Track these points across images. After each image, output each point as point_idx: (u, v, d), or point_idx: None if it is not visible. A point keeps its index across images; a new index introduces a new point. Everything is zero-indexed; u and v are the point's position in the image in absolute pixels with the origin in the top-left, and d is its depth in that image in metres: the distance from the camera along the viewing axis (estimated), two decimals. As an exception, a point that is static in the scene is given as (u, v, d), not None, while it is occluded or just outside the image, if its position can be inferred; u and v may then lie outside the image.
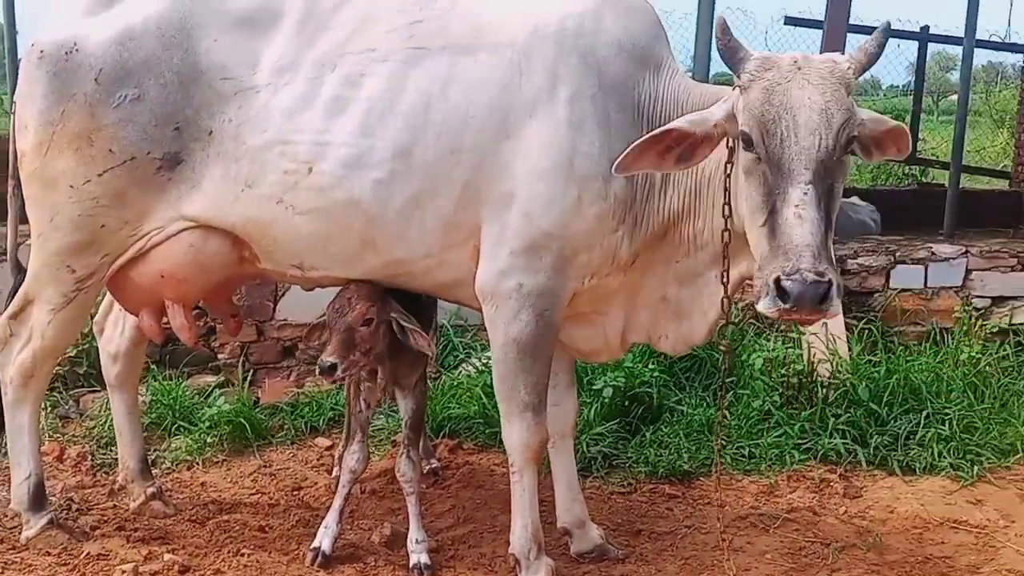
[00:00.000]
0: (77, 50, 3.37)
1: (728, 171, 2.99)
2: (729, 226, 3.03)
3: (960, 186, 8.75)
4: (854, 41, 12.73)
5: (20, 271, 3.89)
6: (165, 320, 3.83)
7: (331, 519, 3.84)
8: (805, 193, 2.65)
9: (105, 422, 5.17)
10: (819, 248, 2.61)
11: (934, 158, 15.08)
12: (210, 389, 5.53)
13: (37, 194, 3.54)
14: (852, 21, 12.81)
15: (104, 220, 3.47)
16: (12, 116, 3.65)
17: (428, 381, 3.96)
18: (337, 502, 3.86)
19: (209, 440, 4.98)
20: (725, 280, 3.17)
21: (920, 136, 14.88)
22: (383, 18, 3.37)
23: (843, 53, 5.97)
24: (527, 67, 3.26)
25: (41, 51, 3.43)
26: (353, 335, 3.41)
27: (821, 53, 6.14)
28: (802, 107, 2.72)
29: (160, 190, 3.42)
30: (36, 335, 3.71)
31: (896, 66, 18.59)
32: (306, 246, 3.38)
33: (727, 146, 2.99)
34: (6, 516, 4.06)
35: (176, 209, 3.45)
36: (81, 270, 3.57)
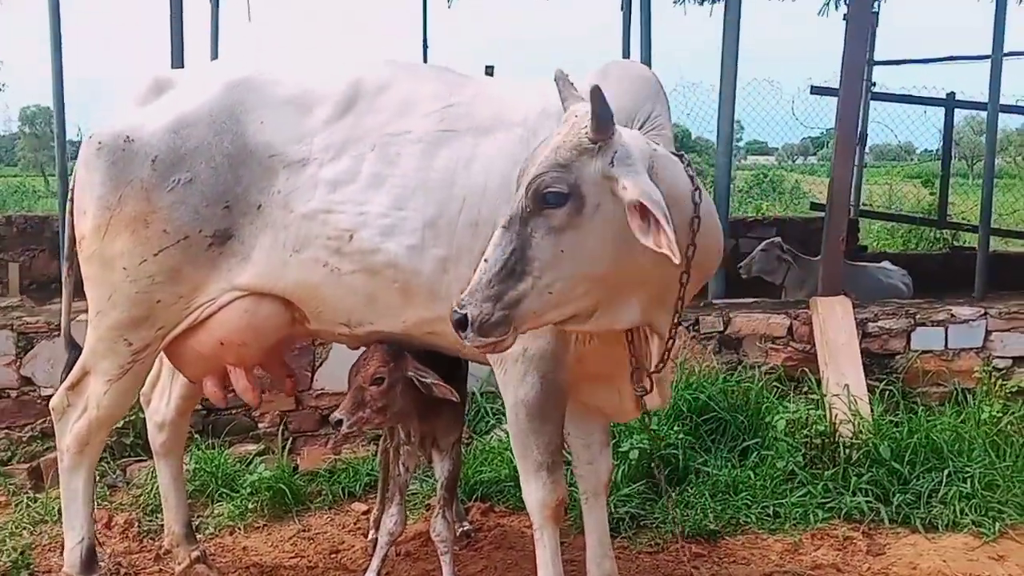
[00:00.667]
0: (132, 140, 3.64)
1: None
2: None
3: (993, 249, 8.89)
4: (879, 108, 13.03)
5: (74, 347, 4.14)
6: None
7: None
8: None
9: (151, 490, 5.37)
10: (476, 286, 2.82)
11: (965, 222, 15.21)
12: (251, 457, 5.73)
13: (96, 274, 3.77)
14: (877, 89, 13.23)
15: (159, 296, 3.70)
16: (70, 203, 3.90)
17: (460, 446, 4.10)
18: (375, 563, 4.02)
19: (250, 506, 5.17)
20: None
21: (949, 200, 14.99)
22: (419, 103, 3.62)
23: (859, 122, 6.27)
24: (533, 143, 3.49)
25: (100, 142, 3.69)
26: (363, 394, 3.61)
27: (836, 123, 6.45)
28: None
29: (212, 265, 3.65)
30: (92, 405, 3.93)
31: (929, 132, 18.82)
32: (352, 304, 3.59)
33: None
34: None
35: (228, 281, 3.67)
36: (137, 343, 3.80)
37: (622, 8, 11.94)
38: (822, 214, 13.86)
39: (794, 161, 43.75)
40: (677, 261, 2.77)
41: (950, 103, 13.47)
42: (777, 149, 40.88)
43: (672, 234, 2.73)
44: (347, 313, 3.66)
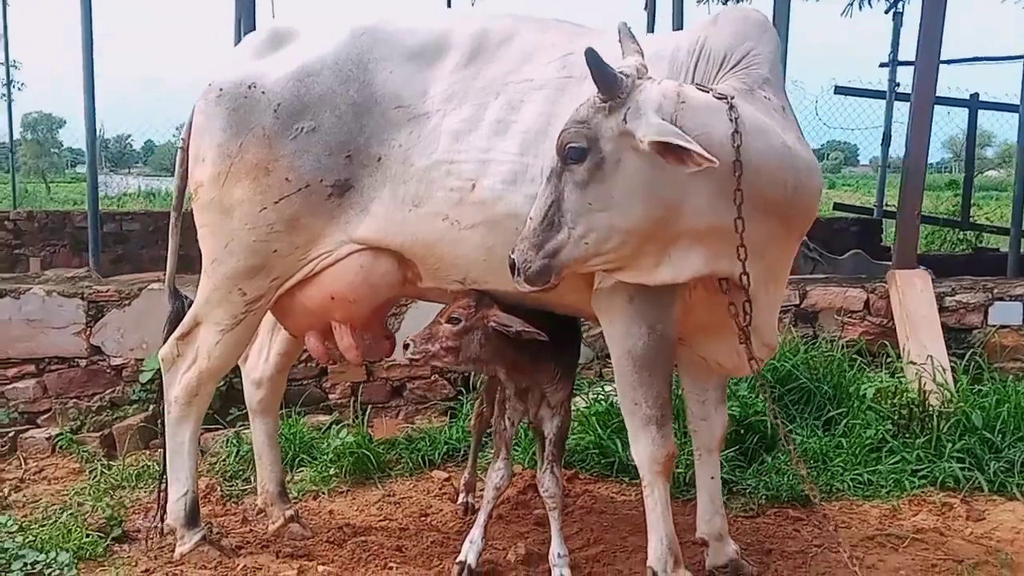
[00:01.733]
0: (255, 87, 3.63)
1: None
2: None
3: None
4: (903, 109, 12.92)
5: (177, 297, 4.11)
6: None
7: (476, 534, 3.93)
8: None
9: (227, 458, 5.38)
10: (525, 234, 3.03)
11: (989, 223, 15.15)
12: (325, 426, 5.70)
13: (213, 221, 3.75)
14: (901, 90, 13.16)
15: (277, 245, 3.68)
16: (182, 151, 3.89)
17: (570, 405, 4.05)
18: (482, 517, 3.97)
19: (332, 471, 5.15)
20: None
21: (973, 202, 14.93)
22: (541, 52, 3.60)
23: (930, 126, 6.22)
24: None
25: (220, 89, 3.69)
26: (437, 329, 3.56)
27: (909, 125, 6.40)
28: None
29: (330, 216, 3.64)
30: (203, 355, 3.91)
31: (933, 143, 18.73)
32: (470, 260, 3.54)
33: None
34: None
35: (345, 233, 3.65)
36: (252, 292, 3.78)
37: (645, 8, 12.00)
38: (845, 215, 14.03)
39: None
40: (717, 165, 2.84)
41: (974, 104, 13.44)
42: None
43: (698, 147, 2.81)
44: (464, 270, 3.61)
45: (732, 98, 3.02)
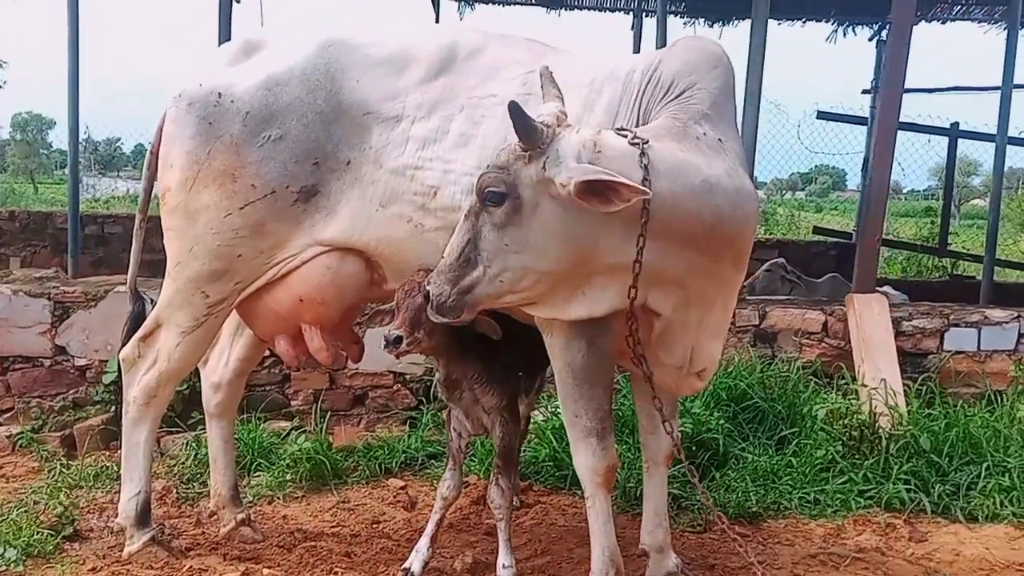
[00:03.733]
0: (224, 96, 3.71)
1: None
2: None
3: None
4: (903, 139, 13.01)
5: (138, 299, 4.17)
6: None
7: (423, 543, 4.00)
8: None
9: (185, 460, 5.42)
10: (440, 268, 3.12)
11: (965, 250, 15.29)
12: (286, 432, 5.74)
13: (179, 225, 3.81)
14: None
15: (241, 250, 3.75)
16: (151, 156, 3.96)
17: (518, 415, 4.09)
18: (430, 527, 4.02)
19: (289, 477, 5.19)
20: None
21: (951, 230, 15.08)
22: (506, 68, 3.70)
23: (892, 154, 6.30)
24: (595, 101, 3.59)
25: (191, 97, 3.76)
26: (420, 315, 3.49)
27: (870, 150, 6.47)
28: None
29: (295, 220, 3.71)
30: (163, 357, 3.96)
31: (919, 170, 18.95)
32: (433, 261, 3.61)
33: None
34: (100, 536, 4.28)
35: (311, 236, 3.73)
36: (214, 296, 3.84)
37: (632, 28, 12.13)
38: (823, 238, 14.18)
39: (782, 195, 43.91)
40: (649, 194, 2.94)
41: (954, 133, 13.57)
42: (766, 183, 40.94)
43: (624, 179, 2.90)
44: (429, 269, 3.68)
45: (646, 143, 3.08)
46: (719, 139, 3.34)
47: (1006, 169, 10.58)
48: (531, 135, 2.98)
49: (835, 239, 14.31)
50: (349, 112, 3.66)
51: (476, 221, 3.07)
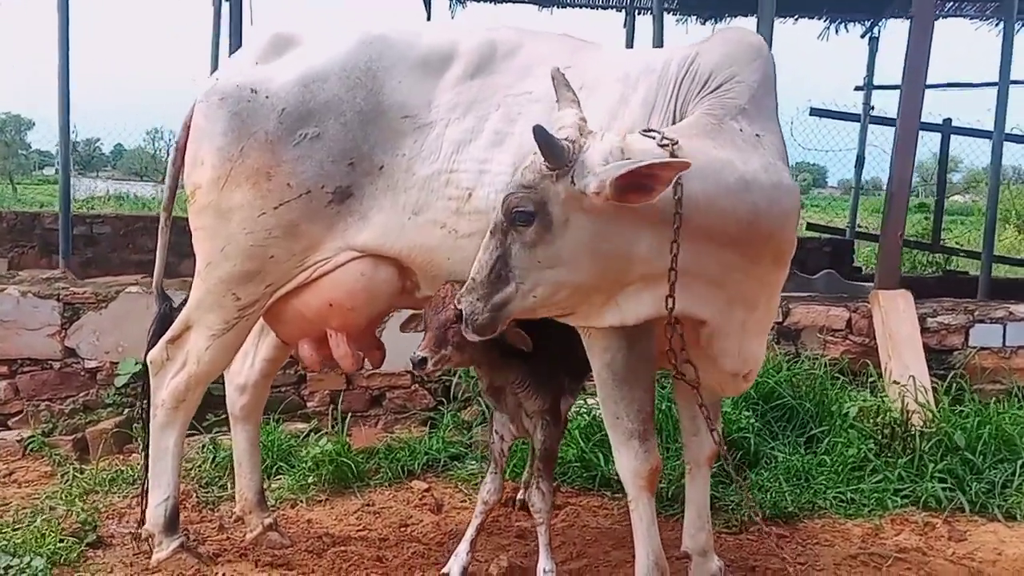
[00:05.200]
0: (258, 92, 3.59)
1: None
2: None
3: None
4: (876, 132, 12.98)
5: (164, 299, 4.04)
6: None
7: (462, 547, 3.91)
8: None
9: (203, 464, 5.30)
10: (471, 285, 3.01)
11: (959, 246, 15.28)
12: (304, 434, 5.64)
13: (210, 225, 3.69)
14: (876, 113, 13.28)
15: (274, 251, 3.64)
16: (177, 153, 3.83)
17: (559, 418, 3.99)
18: (469, 532, 3.93)
19: (311, 480, 5.09)
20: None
21: (944, 226, 15.06)
22: (541, 65, 3.57)
23: (915, 150, 6.23)
24: (630, 96, 3.49)
25: (223, 92, 3.64)
26: (446, 332, 3.43)
27: (894, 149, 6.43)
28: None
29: (329, 223, 3.60)
30: (192, 360, 3.84)
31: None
32: (467, 268, 3.51)
33: None
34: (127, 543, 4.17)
35: (343, 240, 3.62)
36: (245, 298, 3.72)
37: (625, 26, 12.08)
38: (817, 235, 14.13)
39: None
40: (690, 164, 2.82)
41: (947, 129, 13.57)
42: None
43: (654, 159, 2.81)
44: (461, 278, 3.57)
45: (675, 143, 2.97)
46: (756, 134, 3.24)
47: (982, 168, 10.58)
48: (558, 156, 2.87)
49: (829, 235, 14.29)
50: (388, 113, 3.56)
51: (504, 239, 2.97)
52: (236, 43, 7.09)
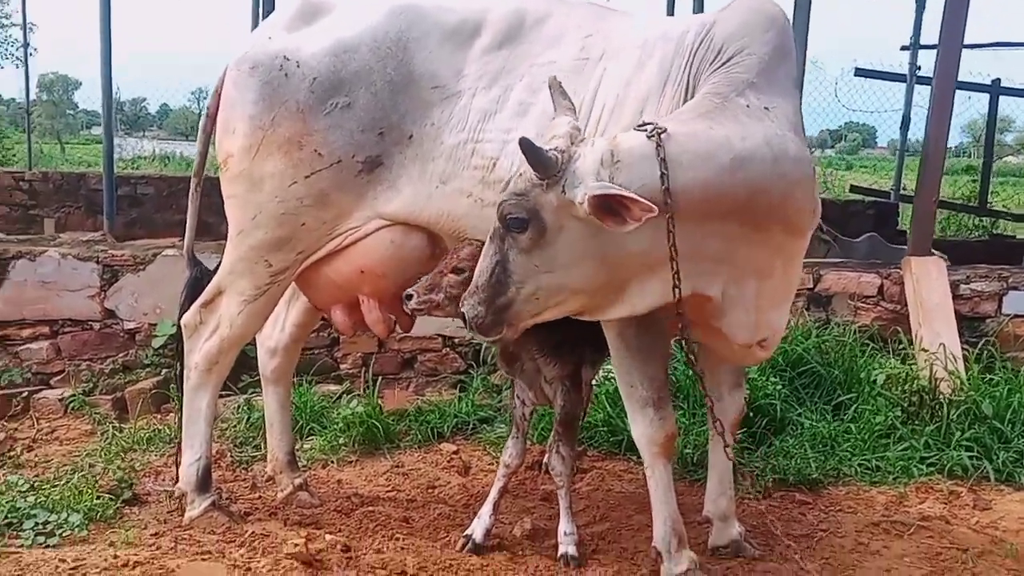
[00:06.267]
0: (290, 60, 3.63)
1: None
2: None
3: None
4: (923, 93, 12.78)
5: (195, 264, 4.13)
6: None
7: (485, 510, 3.98)
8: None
9: (237, 424, 5.42)
10: (473, 288, 3.06)
11: (1005, 209, 15.04)
12: (336, 396, 5.74)
13: (241, 193, 3.76)
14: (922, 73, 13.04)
15: (305, 219, 3.70)
16: (207, 120, 3.90)
17: (580, 385, 4.03)
18: (492, 495, 4.00)
19: (342, 441, 5.19)
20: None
21: (993, 188, 14.84)
22: (566, 34, 3.61)
23: (950, 113, 6.13)
24: (646, 62, 3.48)
25: (253, 61, 3.69)
26: (441, 278, 3.48)
27: (929, 111, 6.35)
28: None
29: (359, 191, 3.65)
30: (224, 324, 3.94)
31: (952, 127, 18.55)
32: None
33: None
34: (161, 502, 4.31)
35: (373, 209, 3.68)
36: (277, 264, 3.80)
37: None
38: (859, 197, 13.97)
39: (812, 153, 43.35)
40: (656, 212, 2.80)
41: (995, 89, 13.34)
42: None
43: (635, 196, 2.79)
44: None
45: (663, 133, 2.94)
46: (765, 107, 3.19)
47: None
48: (545, 167, 2.89)
49: (872, 198, 14.13)
50: (418, 83, 3.59)
51: (502, 244, 3.01)
52: (269, 6, 7.08)
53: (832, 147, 51.47)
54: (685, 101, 3.31)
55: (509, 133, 3.46)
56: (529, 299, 3.03)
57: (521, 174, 2.99)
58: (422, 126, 3.59)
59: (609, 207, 2.83)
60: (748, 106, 3.18)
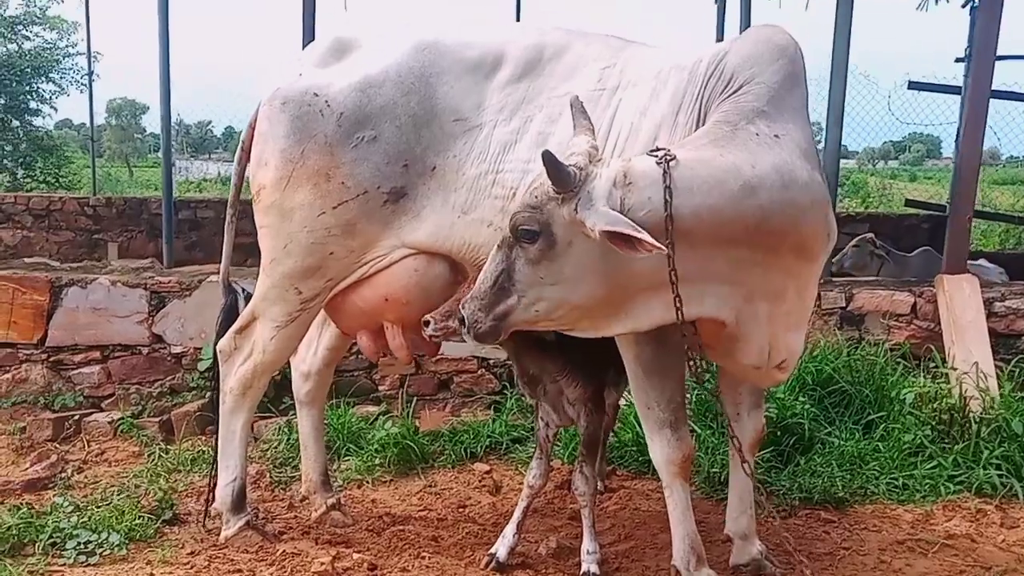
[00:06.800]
0: (319, 96, 3.79)
1: None
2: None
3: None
4: (998, 106, 12.65)
5: (231, 291, 4.31)
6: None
7: (509, 529, 4.08)
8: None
9: (278, 445, 5.59)
10: (475, 293, 3.15)
11: (1063, 218, 14.78)
12: (373, 417, 5.87)
13: (273, 223, 3.93)
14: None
15: (333, 248, 3.85)
16: (242, 152, 4.09)
17: (603, 406, 4.11)
18: (516, 514, 4.10)
19: (377, 461, 5.33)
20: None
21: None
22: (584, 66, 3.73)
23: (984, 128, 6.12)
24: (660, 91, 3.57)
25: (285, 96, 3.85)
26: (458, 305, 3.49)
27: (960, 121, 6.30)
28: None
29: (385, 221, 3.80)
30: (258, 350, 4.10)
31: (1018, 137, 18.31)
32: None
33: None
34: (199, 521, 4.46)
35: (398, 238, 3.82)
36: (307, 292, 3.96)
37: (716, 1, 11.96)
38: (914, 211, 13.84)
39: (875, 165, 42.83)
40: (665, 251, 2.91)
41: (1053, 99, 13.12)
42: (858, 152, 39.83)
43: (645, 235, 2.85)
44: None
45: (672, 160, 3.02)
46: (775, 135, 3.26)
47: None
48: (564, 181, 2.98)
49: (928, 212, 13.99)
50: (440, 117, 3.72)
51: (510, 253, 3.09)
52: (309, 35, 7.27)
53: (896, 158, 50.84)
54: (697, 129, 3.40)
55: (528, 164, 3.57)
56: (528, 309, 3.11)
57: (537, 186, 3.08)
58: (445, 158, 3.72)
59: (621, 237, 2.91)
60: (758, 134, 3.25)
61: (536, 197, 3.06)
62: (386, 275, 3.90)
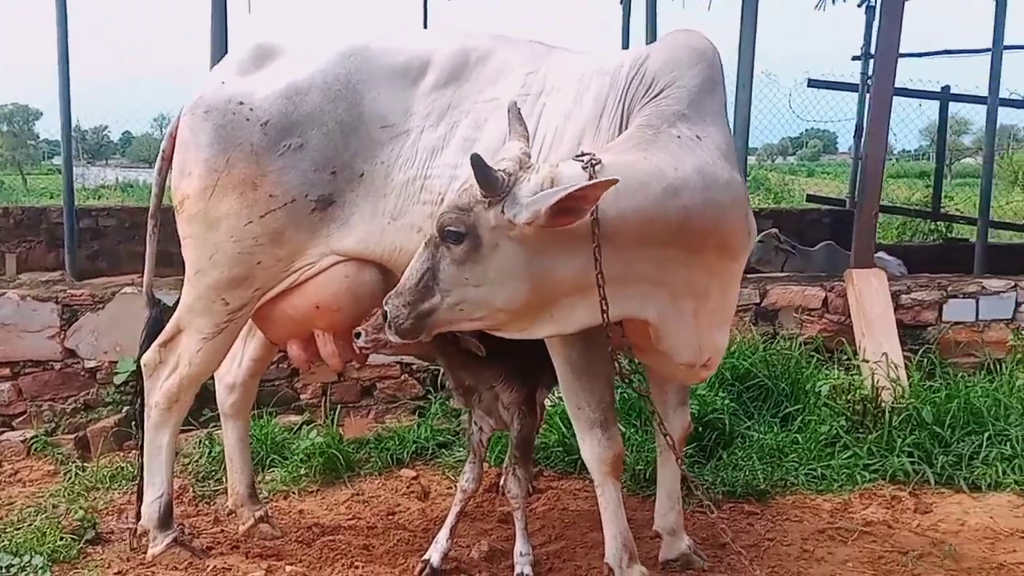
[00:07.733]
0: (243, 104, 3.75)
1: None
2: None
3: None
4: (894, 103, 13.04)
5: (154, 304, 4.23)
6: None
7: (442, 535, 4.09)
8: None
9: (199, 458, 5.49)
10: (399, 290, 3.15)
11: (959, 213, 15.36)
12: (297, 426, 5.82)
13: (198, 233, 3.86)
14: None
15: (260, 257, 3.80)
16: (162, 162, 4.01)
17: (535, 408, 4.15)
18: (449, 519, 4.11)
19: (303, 471, 5.28)
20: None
21: (944, 193, 15.16)
22: (509, 72, 3.75)
23: (887, 128, 6.31)
24: (583, 95, 3.63)
25: (208, 104, 3.80)
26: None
27: (862, 116, 6.51)
28: None
29: (313, 229, 3.76)
30: (184, 362, 4.03)
31: (909, 132, 18.95)
32: None
33: None
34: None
35: (327, 245, 3.79)
36: (234, 302, 3.90)
37: (621, 2, 12.11)
38: (816, 206, 14.23)
39: (773, 161, 43.88)
40: (618, 181, 2.91)
41: (945, 96, 13.61)
42: (757, 149, 40.74)
43: (573, 186, 2.89)
44: None
45: (597, 164, 3.06)
46: (696, 136, 3.34)
47: (997, 126, 10.59)
48: (492, 185, 2.99)
49: (829, 207, 14.39)
50: (368, 123, 3.71)
51: (436, 252, 3.10)
52: (220, 50, 7.11)
53: (793, 154, 52.10)
54: (620, 133, 3.45)
55: (456, 169, 3.59)
56: (452, 309, 3.12)
57: (464, 189, 3.09)
58: (373, 164, 3.71)
59: (565, 208, 2.92)
60: (679, 136, 3.32)
61: (464, 199, 3.07)
62: (316, 283, 3.87)
